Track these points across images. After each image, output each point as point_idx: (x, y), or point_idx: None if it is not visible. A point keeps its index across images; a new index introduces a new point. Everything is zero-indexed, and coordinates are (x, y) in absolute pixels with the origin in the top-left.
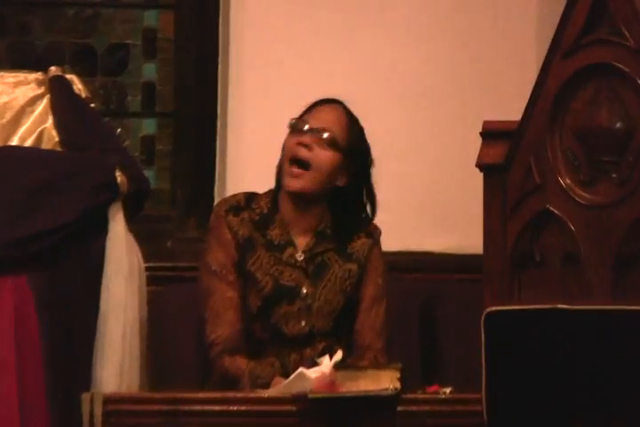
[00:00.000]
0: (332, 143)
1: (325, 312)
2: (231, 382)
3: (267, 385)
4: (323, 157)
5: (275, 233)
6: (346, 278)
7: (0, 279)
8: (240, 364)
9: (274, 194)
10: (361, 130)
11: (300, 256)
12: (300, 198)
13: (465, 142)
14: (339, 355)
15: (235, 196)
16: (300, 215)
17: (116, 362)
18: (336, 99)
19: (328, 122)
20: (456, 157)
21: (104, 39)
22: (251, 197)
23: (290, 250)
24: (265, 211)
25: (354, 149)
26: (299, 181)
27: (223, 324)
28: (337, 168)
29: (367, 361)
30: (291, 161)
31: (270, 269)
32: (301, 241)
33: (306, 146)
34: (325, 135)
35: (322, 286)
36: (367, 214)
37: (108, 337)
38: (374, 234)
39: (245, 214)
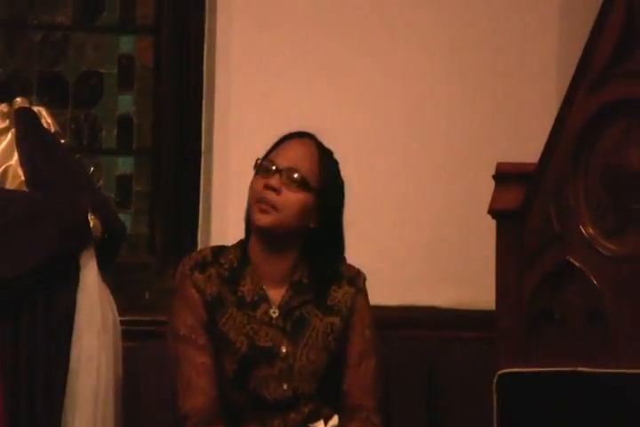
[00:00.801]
0: (302, 184)
1: (309, 373)
2: None
3: None
4: (292, 199)
5: (246, 289)
6: (328, 333)
7: None
8: None
9: (244, 244)
10: (334, 165)
11: (274, 313)
12: (271, 240)
13: (476, 186)
14: (334, 421)
15: (200, 251)
16: (272, 264)
17: (89, 422)
18: (306, 131)
19: (297, 160)
20: (467, 202)
21: (75, 67)
22: (218, 250)
23: (264, 306)
24: (235, 264)
25: (326, 188)
26: (268, 216)
27: (196, 393)
28: (308, 209)
29: (358, 423)
30: (258, 202)
31: (244, 328)
32: (276, 295)
33: (274, 190)
34: (295, 176)
35: (302, 344)
36: (341, 257)
37: (79, 396)
38: (357, 280)
39: (213, 271)
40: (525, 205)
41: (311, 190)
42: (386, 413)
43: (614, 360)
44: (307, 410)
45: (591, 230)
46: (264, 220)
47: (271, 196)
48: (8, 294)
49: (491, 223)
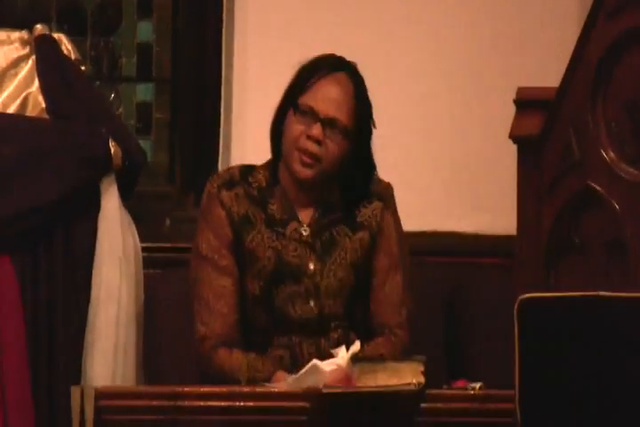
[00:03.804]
0: (343, 133)
1: (335, 291)
2: (227, 379)
3: (266, 381)
4: (335, 150)
5: (275, 207)
6: (357, 249)
7: None
8: (236, 357)
9: (273, 164)
10: (368, 104)
11: (305, 231)
12: (305, 182)
13: (497, 112)
14: (356, 346)
15: (228, 170)
16: (302, 188)
17: (109, 352)
18: (340, 61)
19: (338, 107)
20: (488, 128)
21: None
22: (247, 170)
23: (293, 224)
24: (263, 184)
25: (362, 130)
26: (312, 170)
27: (214, 316)
28: (346, 151)
29: (382, 339)
30: (298, 150)
31: (272, 244)
32: (305, 214)
33: (317, 142)
34: (339, 126)
35: (330, 261)
36: (369, 177)
37: (100, 325)
38: (385, 194)
39: (241, 189)
40: (546, 131)
41: (349, 135)
42: None
43: (634, 286)
44: (336, 336)
45: (612, 155)
46: (307, 173)
47: (314, 148)
48: (35, 221)
49: (511, 150)
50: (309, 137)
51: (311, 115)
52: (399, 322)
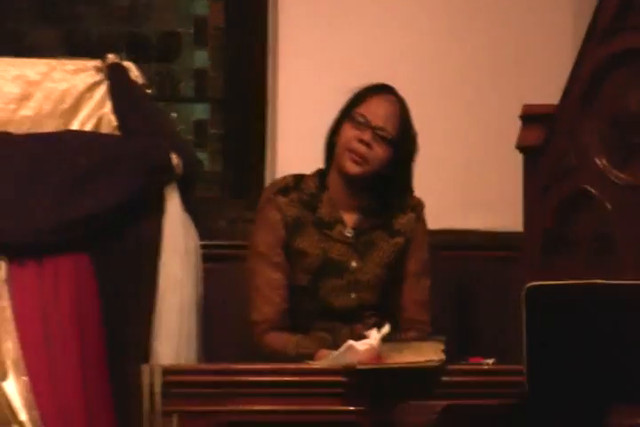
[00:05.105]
0: (388, 141)
1: (372, 285)
2: (277, 356)
3: (311, 357)
4: (380, 154)
5: (324, 211)
6: (392, 251)
7: (62, 258)
8: (286, 337)
9: (322, 173)
10: (410, 120)
11: (349, 232)
12: (353, 180)
13: (503, 125)
14: (386, 328)
15: (284, 178)
16: (348, 194)
17: (173, 335)
18: (390, 87)
19: (386, 119)
20: (495, 139)
21: (157, 27)
22: (299, 178)
23: (339, 227)
24: (313, 191)
25: (404, 142)
26: (360, 167)
27: (267, 304)
28: (388, 160)
29: (413, 333)
30: (350, 151)
31: (320, 244)
32: (349, 218)
33: (367, 144)
34: (385, 134)
35: (369, 260)
36: (406, 190)
37: (166, 312)
38: (418, 208)
39: (294, 195)
40: (547, 141)
41: (393, 145)
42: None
43: (621, 276)
44: (371, 322)
45: (604, 162)
46: (355, 169)
47: (363, 150)
48: (107, 222)
49: (517, 158)
50: (361, 140)
51: (364, 123)
52: (427, 320)
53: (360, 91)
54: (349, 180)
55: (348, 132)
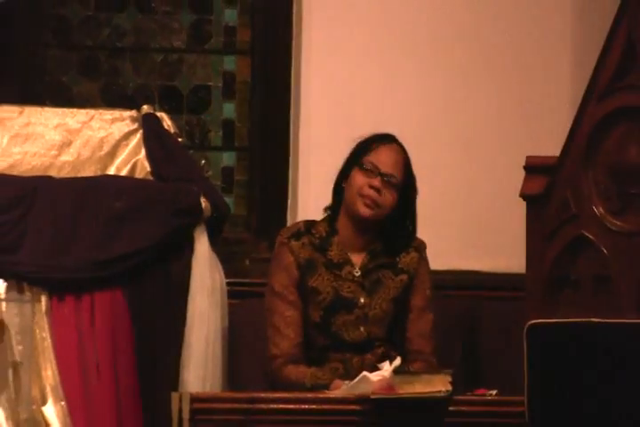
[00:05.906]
0: (396, 187)
1: (380, 319)
2: (294, 388)
3: (326, 387)
4: (390, 198)
5: (333, 253)
6: (398, 288)
7: (99, 293)
8: (302, 369)
9: (332, 218)
10: (411, 167)
11: (357, 272)
12: (363, 223)
13: (509, 175)
14: (397, 361)
15: (296, 224)
16: (356, 236)
17: (201, 365)
18: (394, 136)
19: (394, 167)
20: (500, 187)
21: (188, 81)
22: (310, 224)
23: (348, 267)
24: (323, 234)
25: (408, 187)
26: (372, 211)
27: (283, 339)
28: (396, 203)
29: (419, 364)
30: (362, 197)
31: (331, 283)
32: (357, 259)
33: (377, 190)
34: (393, 180)
35: (376, 297)
36: (411, 232)
37: (194, 344)
38: (420, 248)
39: (306, 239)
40: (548, 190)
41: (399, 190)
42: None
43: (619, 315)
44: (379, 352)
45: (601, 210)
46: (367, 213)
47: (374, 195)
48: (140, 260)
49: (521, 205)
50: (371, 186)
51: (373, 170)
52: (431, 351)
53: (367, 140)
54: (360, 222)
55: (359, 179)
